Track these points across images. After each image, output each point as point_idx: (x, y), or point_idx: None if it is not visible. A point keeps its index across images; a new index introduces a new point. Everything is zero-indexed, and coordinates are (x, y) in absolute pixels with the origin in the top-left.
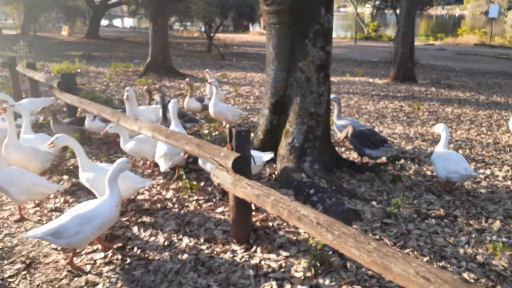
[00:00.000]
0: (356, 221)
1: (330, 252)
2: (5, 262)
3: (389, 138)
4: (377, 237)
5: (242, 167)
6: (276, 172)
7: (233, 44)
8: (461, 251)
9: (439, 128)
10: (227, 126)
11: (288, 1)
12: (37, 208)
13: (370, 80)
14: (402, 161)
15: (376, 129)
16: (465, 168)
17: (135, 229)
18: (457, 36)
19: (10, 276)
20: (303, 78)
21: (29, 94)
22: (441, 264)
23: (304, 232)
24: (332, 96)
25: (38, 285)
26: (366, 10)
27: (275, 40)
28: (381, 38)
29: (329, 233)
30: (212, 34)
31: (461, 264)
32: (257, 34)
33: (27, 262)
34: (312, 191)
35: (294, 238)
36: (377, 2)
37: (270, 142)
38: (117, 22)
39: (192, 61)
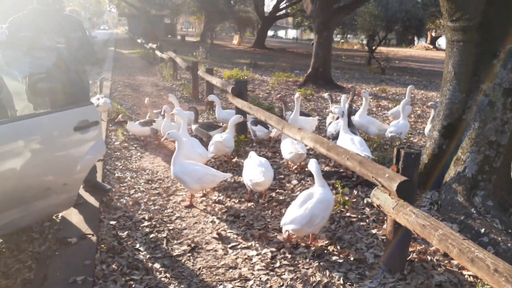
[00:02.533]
0: None
1: None
2: (175, 242)
3: None
4: None
5: (407, 192)
6: (439, 202)
7: (395, 58)
8: None
9: None
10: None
11: (478, 17)
12: (203, 198)
13: None
14: None
15: None
16: None
17: (285, 234)
18: None
19: (178, 255)
20: (486, 102)
21: (205, 96)
22: None
23: (470, 275)
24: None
25: (199, 268)
26: None
27: (457, 59)
28: None
29: (510, 284)
30: (374, 47)
31: None
32: (422, 48)
33: (192, 245)
34: (482, 231)
35: (456, 279)
36: None
37: (435, 168)
38: (281, 33)
39: (350, 73)
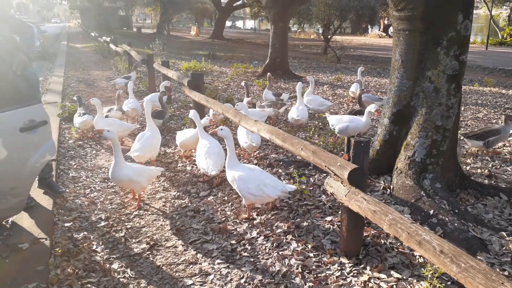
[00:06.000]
0: (481, 252)
1: (449, 283)
2: (133, 240)
3: None
4: (506, 273)
5: (358, 179)
6: (391, 187)
7: (349, 47)
8: None
9: None
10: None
11: (421, 6)
12: (163, 195)
13: (503, 91)
14: None
15: (509, 148)
16: None
17: (244, 225)
18: None
19: (136, 254)
20: (432, 88)
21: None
22: None
23: (420, 256)
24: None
25: (158, 266)
26: (503, 12)
27: (403, 47)
28: None
29: (454, 264)
30: (329, 36)
31: None
32: (375, 36)
33: (151, 243)
34: (431, 212)
35: (408, 260)
36: None
37: (387, 154)
38: (239, 23)
39: (307, 63)
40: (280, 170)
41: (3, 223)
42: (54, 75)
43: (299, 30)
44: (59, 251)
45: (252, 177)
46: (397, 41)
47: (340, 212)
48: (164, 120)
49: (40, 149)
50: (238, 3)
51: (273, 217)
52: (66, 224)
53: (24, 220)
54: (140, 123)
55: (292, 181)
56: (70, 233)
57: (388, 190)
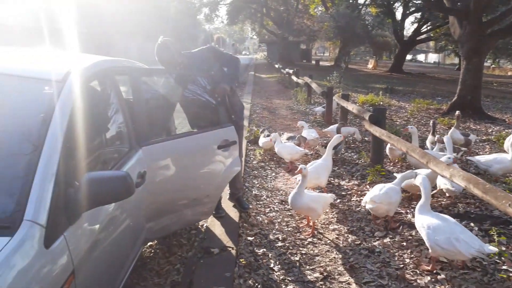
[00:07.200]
0: None
1: None
2: (307, 267)
3: None
4: None
5: None
6: None
7: None
8: None
9: None
10: None
11: None
12: (336, 227)
13: None
14: None
15: None
16: None
17: (426, 278)
18: None
19: (310, 282)
20: None
21: (339, 121)
22: None
23: None
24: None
25: None
26: None
27: None
28: None
29: None
30: None
31: None
32: None
33: (324, 274)
34: None
35: None
36: None
37: None
38: (420, 57)
39: (504, 103)
40: (472, 224)
41: (199, 227)
42: (243, 101)
43: (492, 66)
44: (243, 262)
45: (443, 228)
46: None
47: None
48: (337, 150)
49: (229, 164)
50: (422, 36)
51: (461, 276)
52: (249, 238)
53: (216, 227)
54: (316, 151)
55: (487, 239)
56: (252, 247)
57: None
